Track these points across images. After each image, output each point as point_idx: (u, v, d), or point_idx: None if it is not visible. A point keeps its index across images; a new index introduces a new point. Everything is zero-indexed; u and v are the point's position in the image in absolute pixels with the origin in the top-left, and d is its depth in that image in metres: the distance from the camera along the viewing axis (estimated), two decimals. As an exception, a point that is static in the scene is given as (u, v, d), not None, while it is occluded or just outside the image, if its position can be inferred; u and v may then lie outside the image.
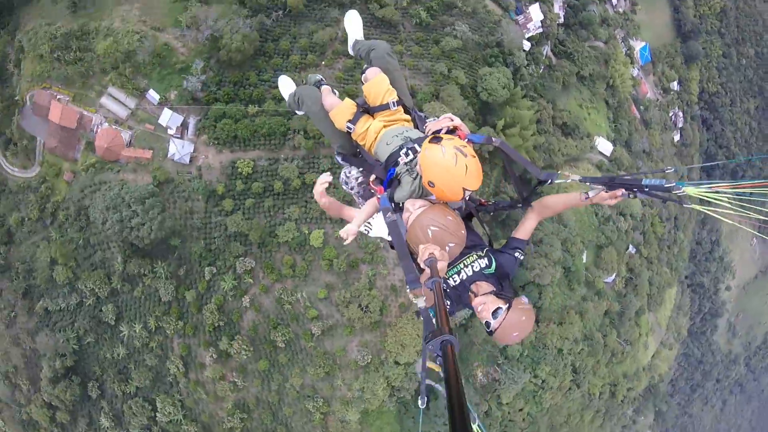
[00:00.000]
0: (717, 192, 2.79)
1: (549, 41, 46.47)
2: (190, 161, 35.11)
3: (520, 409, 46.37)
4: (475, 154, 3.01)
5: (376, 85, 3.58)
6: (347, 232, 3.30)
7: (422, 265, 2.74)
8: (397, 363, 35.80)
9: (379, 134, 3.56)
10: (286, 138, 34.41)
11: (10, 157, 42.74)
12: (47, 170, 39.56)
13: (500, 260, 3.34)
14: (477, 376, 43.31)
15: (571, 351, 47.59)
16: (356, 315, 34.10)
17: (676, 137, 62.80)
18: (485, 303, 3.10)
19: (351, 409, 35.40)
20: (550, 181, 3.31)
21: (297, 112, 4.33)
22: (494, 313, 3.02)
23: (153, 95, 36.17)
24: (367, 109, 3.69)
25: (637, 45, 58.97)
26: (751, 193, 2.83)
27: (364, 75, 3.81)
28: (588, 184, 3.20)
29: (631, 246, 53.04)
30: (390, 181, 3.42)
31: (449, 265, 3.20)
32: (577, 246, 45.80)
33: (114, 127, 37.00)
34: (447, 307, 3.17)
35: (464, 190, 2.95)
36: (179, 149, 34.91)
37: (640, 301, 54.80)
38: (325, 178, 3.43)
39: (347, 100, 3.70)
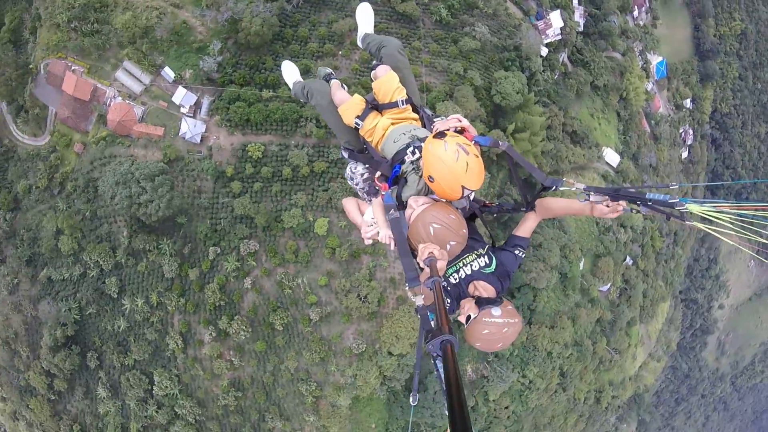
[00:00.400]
0: (720, 212, 2.78)
1: (567, 48, 46.40)
2: (201, 141, 35.39)
3: (506, 407, 47.38)
4: (478, 154, 2.98)
5: (386, 82, 3.60)
6: (386, 238, 3.32)
7: (422, 264, 2.74)
8: (390, 353, 36.52)
9: (387, 131, 3.55)
10: (298, 125, 34.64)
11: (21, 125, 42.89)
12: (58, 140, 39.75)
13: (501, 258, 3.34)
14: (466, 371, 44.20)
15: (560, 355, 48.46)
16: (354, 304, 34.73)
17: (684, 154, 62.96)
18: (463, 307, 3.11)
19: (342, 395, 36.23)
20: (554, 187, 3.33)
21: (301, 100, 4.38)
22: (467, 320, 3.02)
23: (168, 72, 36.28)
24: (375, 106, 3.68)
25: (654, 59, 58.78)
26: (753, 216, 2.85)
27: (374, 72, 3.80)
28: (591, 192, 3.18)
29: (628, 257, 53.60)
30: (395, 179, 3.43)
31: (449, 263, 3.22)
32: (576, 253, 46.33)
33: (127, 101, 37.16)
34: (447, 305, 3.15)
35: (463, 188, 2.91)
36: (191, 128, 35.16)
37: (633, 312, 55.55)
38: (371, 233, 3.48)
39: (356, 96, 3.73)
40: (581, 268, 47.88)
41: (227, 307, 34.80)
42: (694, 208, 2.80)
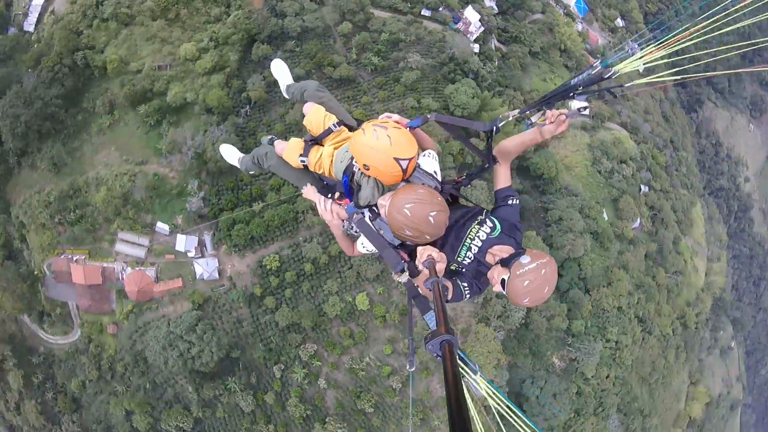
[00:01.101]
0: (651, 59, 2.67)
1: (492, 35, 48.23)
2: (219, 275, 36.25)
3: (607, 376, 46.55)
4: (399, 126, 3.04)
5: (314, 114, 3.80)
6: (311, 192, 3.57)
7: (420, 267, 2.72)
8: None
9: (333, 157, 3.67)
10: (297, 221, 35.63)
11: (48, 328, 43.54)
12: (89, 330, 40.37)
13: (500, 215, 3.30)
14: (554, 363, 43.55)
15: (629, 304, 47.95)
16: (426, 356, 34.69)
17: (641, 68, 64.13)
18: (492, 277, 3.04)
19: (455, 443, 35.64)
20: (495, 128, 3.29)
21: (255, 172, 4.61)
22: (503, 285, 2.95)
23: (162, 227, 37.50)
24: (316, 141, 3.84)
25: (571, 1, 60.92)
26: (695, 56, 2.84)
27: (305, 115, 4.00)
28: (527, 112, 3.19)
29: (642, 186, 53.82)
30: (351, 190, 3.51)
31: (458, 245, 3.19)
32: (595, 209, 46.63)
33: (138, 268, 38.21)
34: (467, 291, 3.12)
35: (397, 160, 2.94)
36: (205, 268, 36.10)
37: (672, 231, 55.25)
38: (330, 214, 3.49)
39: (292, 138, 3.90)
40: (606, 218, 48.02)
41: (315, 414, 34.72)
42: (620, 66, 2.78)
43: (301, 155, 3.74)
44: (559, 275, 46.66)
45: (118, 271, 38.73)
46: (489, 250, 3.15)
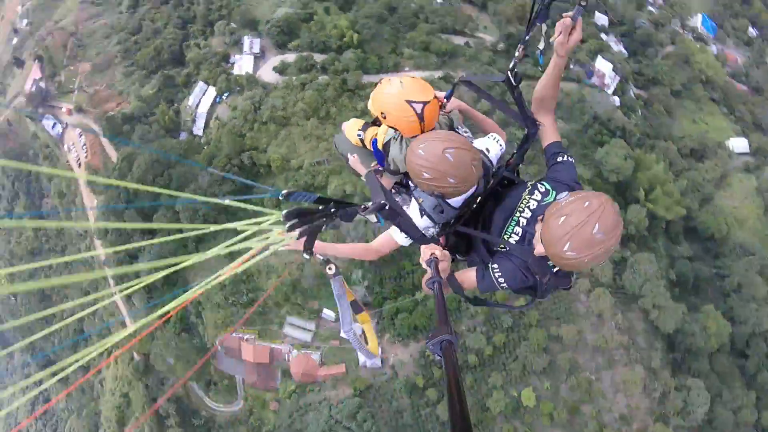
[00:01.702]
0: None
1: (629, 82, 45.21)
2: (382, 363, 37.49)
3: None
4: (413, 77, 3.02)
5: (349, 126, 4.00)
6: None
7: (424, 266, 2.58)
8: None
9: (387, 132, 3.61)
10: (460, 311, 35.69)
11: (213, 396, 48.32)
12: (252, 403, 43.82)
13: (553, 177, 2.85)
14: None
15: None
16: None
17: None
18: (536, 245, 2.51)
19: None
20: (510, 74, 2.97)
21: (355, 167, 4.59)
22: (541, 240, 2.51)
23: (328, 313, 40.06)
24: (375, 123, 3.90)
25: (697, 21, 55.21)
26: None
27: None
28: (527, 38, 2.83)
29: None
30: (383, 158, 3.50)
31: (506, 223, 2.81)
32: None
33: (303, 351, 41.09)
34: (498, 273, 2.72)
35: (409, 103, 2.90)
36: (368, 356, 37.43)
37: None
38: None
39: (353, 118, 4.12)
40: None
41: None
42: None
43: (359, 130, 3.88)
44: (744, 356, 40.45)
45: (285, 353, 41.93)
46: (539, 217, 2.62)
